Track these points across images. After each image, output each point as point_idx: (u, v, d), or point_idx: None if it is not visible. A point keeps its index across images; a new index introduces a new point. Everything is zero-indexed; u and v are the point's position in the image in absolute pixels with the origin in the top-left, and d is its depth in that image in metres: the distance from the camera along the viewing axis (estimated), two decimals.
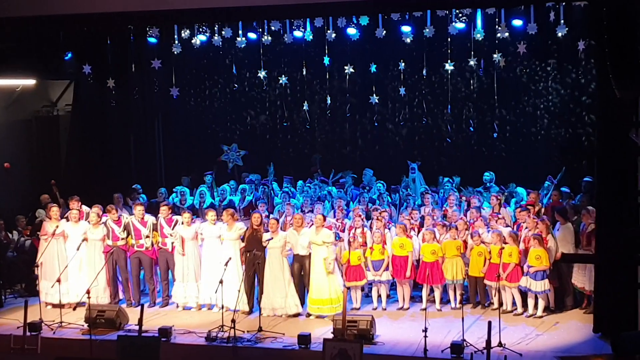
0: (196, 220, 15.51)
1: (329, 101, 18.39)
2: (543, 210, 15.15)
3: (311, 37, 17.13)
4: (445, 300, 14.89)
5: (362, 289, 15.07)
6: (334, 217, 15.87)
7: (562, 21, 15.32)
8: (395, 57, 17.70)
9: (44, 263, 15.19)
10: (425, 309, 13.53)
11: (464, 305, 13.46)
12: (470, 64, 16.99)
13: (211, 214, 15.12)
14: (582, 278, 13.90)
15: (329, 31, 16.79)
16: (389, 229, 15.10)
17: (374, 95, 17.93)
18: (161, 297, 15.51)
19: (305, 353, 12.59)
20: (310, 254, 14.47)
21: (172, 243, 15.24)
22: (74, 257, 15.10)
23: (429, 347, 12.10)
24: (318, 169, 19.07)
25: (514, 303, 14.25)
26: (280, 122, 19.55)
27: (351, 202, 16.88)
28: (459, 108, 18.30)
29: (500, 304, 14.07)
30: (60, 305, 14.50)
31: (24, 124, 19.70)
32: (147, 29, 17.52)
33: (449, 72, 17.11)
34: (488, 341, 11.27)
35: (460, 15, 15.97)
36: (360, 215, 15.23)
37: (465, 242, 14.65)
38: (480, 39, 16.16)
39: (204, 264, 15.01)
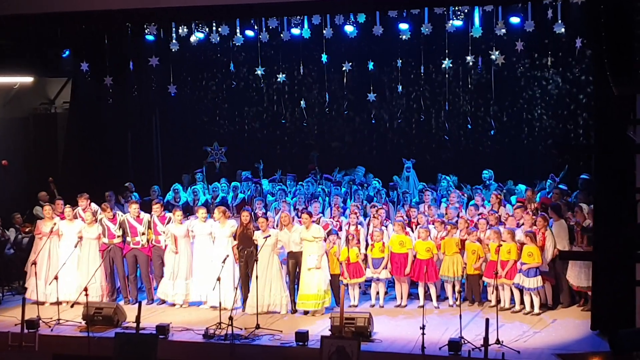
0: (189, 218, 15.51)
1: (327, 99, 18.39)
2: (535, 206, 15.17)
3: (309, 34, 17.12)
4: (442, 298, 14.90)
5: (360, 287, 15.07)
6: (330, 214, 15.88)
7: (560, 19, 15.32)
8: (392, 55, 17.69)
9: (38, 262, 15.18)
10: (422, 307, 13.54)
11: (462, 302, 13.46)
12: (467, 62, 17.00)
13: (202, 212, 15.16)
14: (572, 274, 13.89)
15: (326, 29, 16.78)
16: (386, 226, 15.11)
17: (372, 92, 17.93)
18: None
19: (302, 350, 12.59)
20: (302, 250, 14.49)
21: (165, 240, 15.25)
22: (71, 255, 15.08)
23: (427, 345, 12.08)
24: (315, 166, 19.09)
25: (512, 300, 14.27)
26: (277, 119, 19.57)
27: (348, 200, 16.88)
28: (456, 105, 18.32)
29: (498, 301, 14.08)
30: (58, 303, 14.52)
31: (21, 122, 19.67)
32: (145, 26, 17.51)
33: (447, 69, 17.11)
34: (486, 338, 11.26)
35: (457, 12, 15.97)
36: (355, 212, 15.24)
37: (464, 240, 14.66)
38: (477, 36, 16.16)
39: (195, 261, 15.06)
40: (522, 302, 14.12)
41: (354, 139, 19.66)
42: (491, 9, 15.72)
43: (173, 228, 15.15)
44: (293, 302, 14.56)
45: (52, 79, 19.95)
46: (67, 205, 15.71)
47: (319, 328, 13.38)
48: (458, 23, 16.05)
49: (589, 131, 16.88)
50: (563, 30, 15.42)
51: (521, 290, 14.08)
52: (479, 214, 15.22)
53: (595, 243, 12.98)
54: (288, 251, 14.69)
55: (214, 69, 19.51)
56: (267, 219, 14.85)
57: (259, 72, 18.03)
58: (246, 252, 14.52)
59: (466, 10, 15.98)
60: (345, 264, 14.69)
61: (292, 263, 14.70)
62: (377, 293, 14.92)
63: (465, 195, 16.45)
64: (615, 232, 12.39)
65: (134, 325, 12.40)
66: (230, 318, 13.03)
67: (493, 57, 16.50)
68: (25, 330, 12.83)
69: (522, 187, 16.45)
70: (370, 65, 17.89)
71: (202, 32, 17.80)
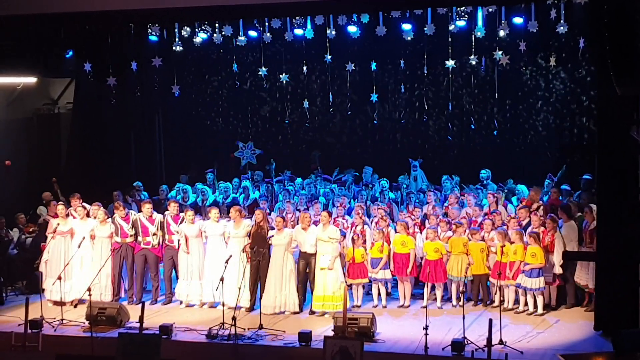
0: (198, 218, 15.51)
1: (330, 99, 18.40)
2: (542, 207, 15.14)
3: (312, 35, 17.13)
4: (446, 298, 14.90)
5: (364, 287, 15.07)
6: (336, 214, 15.89)
7: (563, 19, 15.32)
8: (395, 55, 17.70)
9: (50, 261, 15.20)
10: (426, 307, 13.54)
11: (465, 302, 13.46)
12: (470, 62, 17.00)
13: (214, 212, 15.12)
14: (584, 276, 13.89)
15: (329, 29, 16.79)
16: (389, 226, 15.10)
17: (375, 93, 17.93)
18: (164, 295, 15.51)
19: (305, 351, 12.60)
20: (316, 251, 14.46)
21: (179, 240, 15.25)
22: (74, 255, 15.09)
23: (430, 345, 12.10)
24: (318, 166, 19.09)
25: (515, 301, 14.27)
26: (281, 119, 19.59)
27: (352, 200, 16.89)
28: (459, 106, 18.31)
29: (502, 301, 14.07)
30: (62, 303, 14.52)
31: (25, 122, 19.73)
32: (148, 26, 17.53)
33: (450, 69, 17.11)
34: (489, 339, 11.26)
35: (461, 13, 15.97)
36: (359, 213, 15.24)
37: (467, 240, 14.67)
38: (480, 36, 16.17)
39: (208, 261, 15.02)
40: (525, 302, 14.12)
41: (356, 139, 19.65)
42: (494, 9, 15.73)
43: (185, 228, 15.14)
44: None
45: (56, 80, 20.00)
46: (60, 203, 15.72)
47: (322, 328, 13.38)
48: (461, 23, 16.06)
49: (592, 131, 16.87)
50: (566, 30, 15.42)
51: (526, 291, 14.07)
52: (484, 214, 15.21)
53: (597, 243, 12.98)
54: (302, 251, 14.65)
55: (217, 69, 19.51)
56: (283, 218, 14.85)
57: (262, 72, 18.04)
58: (256, 252, 14.48)
59: (469, 11, 15.98)
60: (348, 264, 14.70)
61: (303, 264, 14.68)
62: (379, 293, 14.91)
63: (465, 195, 16.43)
64: (618, 232, 12.41)
65: (138, 325, 12.40)
66: (234, 318, 13.04)
67: (496, 57, 16.50)
68: (29, 330, 12.81)
69: (523, 187, 16.42)
70: (373, 66, 17.89)
71: (205, 32, 17.81)
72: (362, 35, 16.96)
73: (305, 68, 17.94)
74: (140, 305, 12.70)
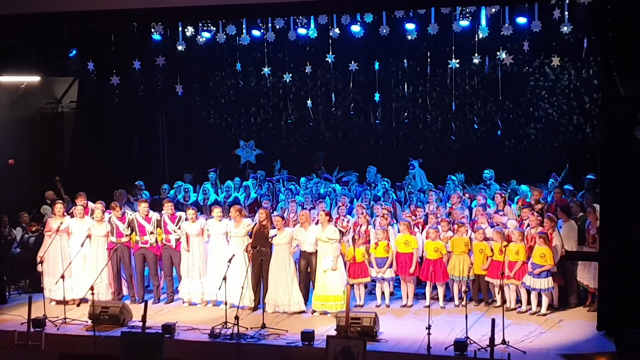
0: (201, 217, 15.52)
1: (333, 98, 18.40)
2: (546, 207, 15.13)
3: (315, 34, 17.13)
4: (448, 298, 14.90)
5: (366, 286, 15.06)
6: (337, 214, 15.88)
7: (567, 19, 15.31)
8: (399, 55, 17.72)
9: (47, 259, 15.20)
10: (428, 307, 13.52)
11: (467, 302, 13.45)
12: (474, 62, 16.99)
13: (217, 211, 15.13)
14: (587, 275, 13.88)
15: (333, 29, 16.79)
16: (392, 225, 15.10)
17: (378, 92, 17.92)
18: (166, 294, 15.52)
19: (308, 350, 12.58)
20: (316, 250, 14.47)
21: (177, 239, 15.25)
22: (77, 254, 15.11)
23: (433, 345, 12.08)
24: (321, 166, 19.09)
25: (517, 301, 14.26)
26: (284, 119, 19.59)
27: (355, 200, 16.89)
28: (462, 105, 18.30)
29: (504, 301, 14.06)
30: (65, 302, 14.53)
31: (28, 121, 19.73)
32: (152, 26, 17.54)
33: (453, 69, 17.10)
34: (492, 339, 11.26)
35: (464, 12, 15.96)
36: (363, 213, 15.24)
37: (471, 239, 14.65)
38: (484, 36, 16.15)
39: (210, 260, 15.02)
40: (528, 302, 14.10)
41: (359, 139, 19.64)
42: (498, 9, 15.72)
43: (186, 226, 15.15)
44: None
45: (59, 79, 19.99)
46: (59, 202, 15.74)
47: (325, 328, 13.38)
48: (465, 23, 16.04)
49: (595, 131, 16.85)
50: (570, 30, 15.40)
51: (528, 291, 14.06)
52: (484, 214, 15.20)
53: (600, 243, 12.97)
54: (302, 250, 14.66)
55: (220, 69, 19.51)
56: (283, 217, 14.85)
57: (266, 71, 18.04)
58: (259, 251, 14.48)
59: (473, 11, 15.98)
60: (349, 264, 14.70)
61: (304, 263, 14.68)
62: (383, 293, 14.91)
63: (468, 195, 16.42)
64: (621, 233, 12.40)
65: (140, 324, 12.41)
66: (236, 317, 13.04)
67: (500, 57, 16.48)
68: (32, 329, 12.84)
69: (525, 187, 16.41)
70: (377, 65, 17.89)
71: (208, 31, 17.81)
72: (366, 34, 16.97)
73: (308, 68, 17.94)
74: (142, 304, 12.72)
